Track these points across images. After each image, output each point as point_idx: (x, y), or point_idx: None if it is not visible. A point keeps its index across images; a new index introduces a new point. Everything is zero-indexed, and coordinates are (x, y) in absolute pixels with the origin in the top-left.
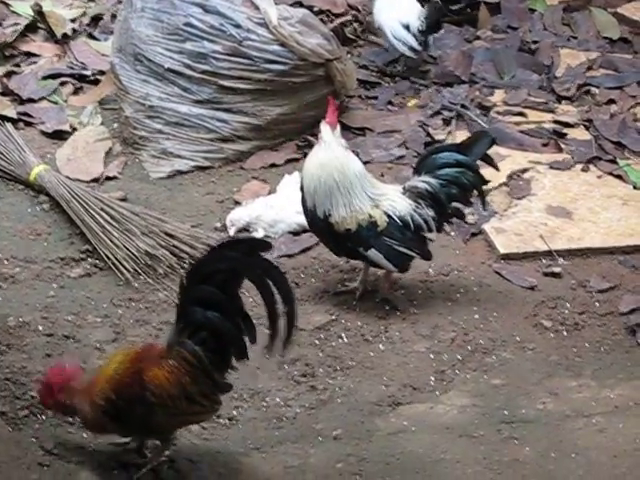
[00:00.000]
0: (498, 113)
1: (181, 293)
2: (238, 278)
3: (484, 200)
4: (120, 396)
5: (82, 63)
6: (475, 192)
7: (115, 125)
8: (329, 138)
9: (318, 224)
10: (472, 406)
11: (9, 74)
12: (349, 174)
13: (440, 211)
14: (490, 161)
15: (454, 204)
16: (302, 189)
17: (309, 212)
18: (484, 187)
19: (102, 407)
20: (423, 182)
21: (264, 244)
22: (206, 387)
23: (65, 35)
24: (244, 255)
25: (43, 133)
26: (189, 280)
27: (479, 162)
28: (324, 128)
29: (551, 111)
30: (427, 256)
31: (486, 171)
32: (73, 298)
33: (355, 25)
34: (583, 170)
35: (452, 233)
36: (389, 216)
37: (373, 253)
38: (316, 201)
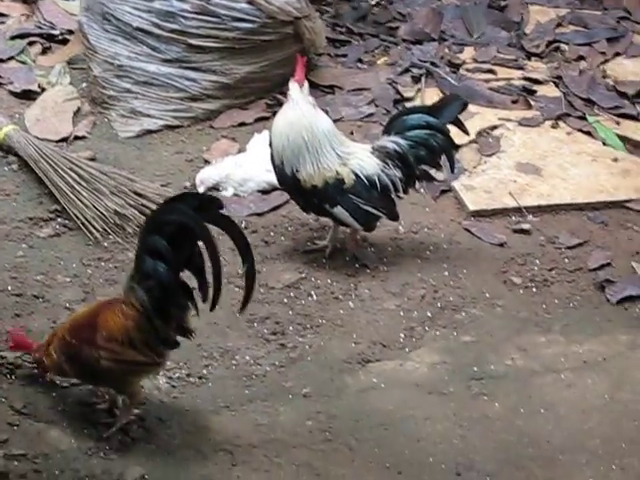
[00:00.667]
0: (467, 70)
1: (138, 241)
2: (187, 232)
3: (453, 164)
4: (74, 336)
5: (50, 22)
6: (444, 155)
7: (84, 85)
8: (297, 96)
9: (286, 181)
10: (442, 363)
11: None
12: (317, 132)
13: (408, 172)
14: (460, 125)
15: (422, 166)
16: (271, 146)
17: (277, 169)
18: (454, 151)
19: (61, 347)
20: (392, 142)
21: (215, 200)
22: (149, 336)
23: None
24: (195, 209)
25: (11, 93)
26: (144, 229)
27: (450, 125)
28: (292, 86)
29: (520, 68)
30: (394, 216)
31: (455, 132)
32: (42, 258)
33: None
34: (552, 127)
35: (422, 190)
36: (356, 175)
37: (339, 210)
38: (284, 158)
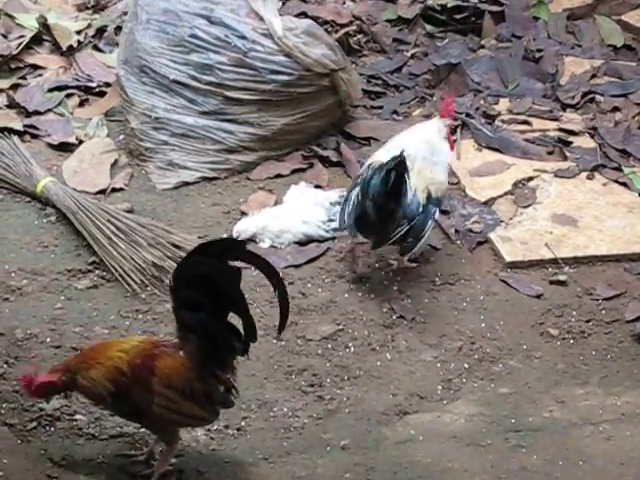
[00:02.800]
0: (503, 121)
1: (171, 296)
2: (214, 282)
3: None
4: (126, 375)
5: (88, 75)
6: None
7: (121, 137)
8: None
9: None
10: (479, 415)
11: (15, 87)
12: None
13: None
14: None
15: None
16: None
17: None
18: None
19: (106, 383)
20: None
21: (237, 243)
22: (211, 386)
23: (70, 47)
24: (218, 255)
25: (49, 145)
26: (174, 284)
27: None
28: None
29: (556, 119)
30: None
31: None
32: (80, 310)
33: (359, 36)
34: (588, 178)
35: (458, 242)
36: None
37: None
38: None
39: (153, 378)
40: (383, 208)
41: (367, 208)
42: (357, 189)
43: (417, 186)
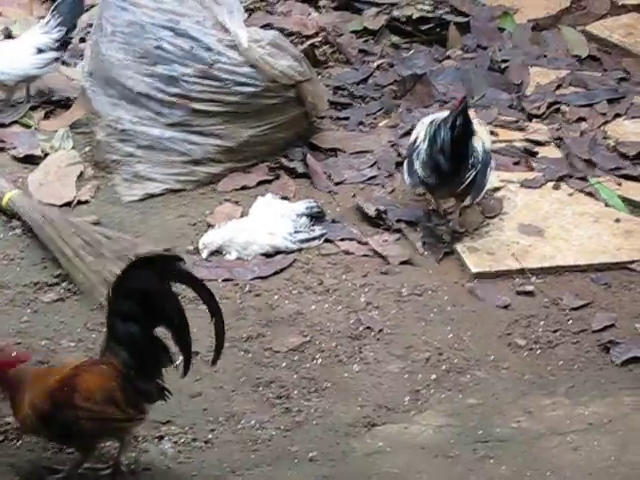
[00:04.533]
0: None
1: (107, 306)
2: (152, 296)
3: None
4: (51, 399)
5: (50, 89)
6: None
7: (87, 149)
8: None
9: None
10: (447, 426)
11: None
12: None
13: None
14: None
15: None
16: None
17: None
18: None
19: (36, 410)
20: None
21: (176, 259)
22: (132, 395)
23: None
24: (156, 274)
25: (15, 158)
26: (111, 294)
27: None
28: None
29: (522, 129)
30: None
31: None
32: (47, 323)
33: (325, 47)
34: (554, 188)
35: (425, 253)
36: None
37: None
38: None
39: (75, 394)
40: (456, 154)
41: (439, 158)
42: (423, 146)
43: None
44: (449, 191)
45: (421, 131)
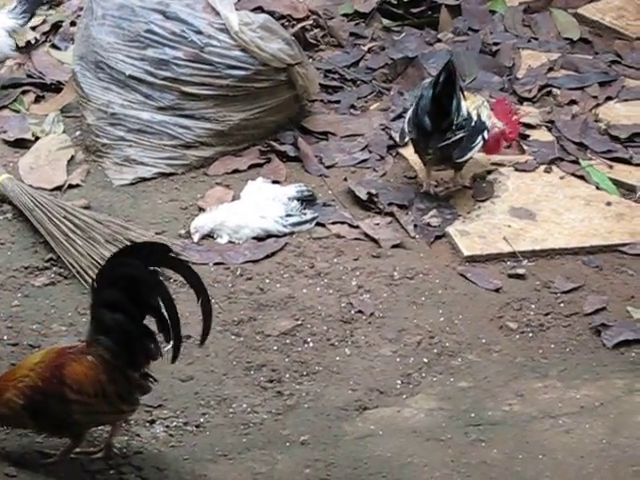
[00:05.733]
0: None
1: (92, 295)
2: (139, 284)
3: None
4: (39, 391)
5: (41, 72)
6: None
7: (77, 133)
8: None
9: None
10: (439, 409)
11: None
12: None
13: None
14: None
15: None
16: None
17: None
18: None
19: (22, 403)
20: None
21: (162, 246)
22: (123, 386)
23: (28, 43)
24: (143, 262)
25: (5, 142)
26: (97, 283)
27: None
28: None
29: None
30: None
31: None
32: (38, 307)
33: (316, 30)
34: (546, 171)
35: (416, 236)
36: None
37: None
38: None
39: (65, 388)
40: (436, 111)
41: (421, 114)
42: (412, 106)
43: (469, 106)
44: (433, 149)
45: (417, 92)
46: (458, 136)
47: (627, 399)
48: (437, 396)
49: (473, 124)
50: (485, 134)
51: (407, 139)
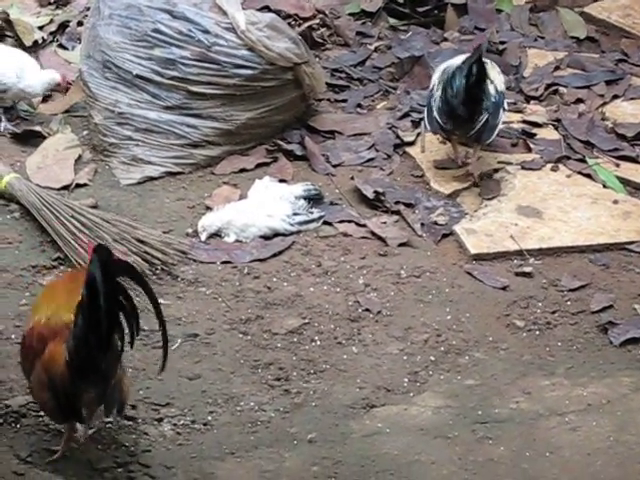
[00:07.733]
0: None
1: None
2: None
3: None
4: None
5: None
6: None
7: (85, 132)
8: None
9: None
10: (446, 407)
11: None
12: None
13: None
14: None
15: None
16: None
17: None
18: None
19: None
20: None
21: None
22: (73, 396)
23: (35, 43)
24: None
25: (12, 141)
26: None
27: None
28: None
29: (519, 111)
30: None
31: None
32: None
33: (323, 29)
34: (552, 170)
35: (423, 235)
36: None
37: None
38: None
39: (37, 359)
40: (470, 100)
41: (455, 104)
42: (438, 92)
43: (489, 84)
44: (465, 135)
45: (436, 79)
46: (484, 118)
47: (634, 397)
48: (444, 394)
49: (493, 100)
50: (505, 104)
51: (439, 131)
